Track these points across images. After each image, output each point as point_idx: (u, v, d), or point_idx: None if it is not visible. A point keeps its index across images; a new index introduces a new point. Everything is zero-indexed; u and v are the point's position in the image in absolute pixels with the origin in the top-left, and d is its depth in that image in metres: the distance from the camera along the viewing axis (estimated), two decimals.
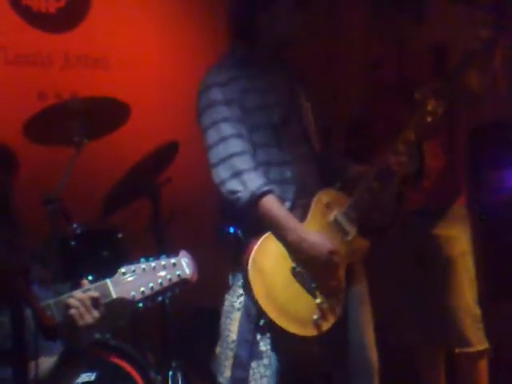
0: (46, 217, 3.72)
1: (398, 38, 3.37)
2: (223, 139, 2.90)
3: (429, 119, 2.93)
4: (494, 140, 4.33)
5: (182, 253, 2.35)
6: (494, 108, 3.50)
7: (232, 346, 2.88)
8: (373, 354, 3.03)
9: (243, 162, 2.87)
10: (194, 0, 5.01)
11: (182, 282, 2.31)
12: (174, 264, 2.31)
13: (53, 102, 4.27)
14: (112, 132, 4.05)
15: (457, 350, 3.46)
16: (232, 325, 2.91)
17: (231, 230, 3.02)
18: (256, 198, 2.84)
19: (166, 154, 3.97)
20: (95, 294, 2.28)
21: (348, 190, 3.01)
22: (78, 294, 2.28)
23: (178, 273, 2.30)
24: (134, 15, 4.78)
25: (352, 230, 2.95)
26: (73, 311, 2.26)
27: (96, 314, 2.27)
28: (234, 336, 2.89)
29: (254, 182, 2.85)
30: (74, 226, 3.81)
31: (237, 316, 2.90)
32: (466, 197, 3.56)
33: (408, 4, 3.29)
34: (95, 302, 2.28)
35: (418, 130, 2.94)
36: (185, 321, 4.31)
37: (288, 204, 2.94)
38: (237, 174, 2.86)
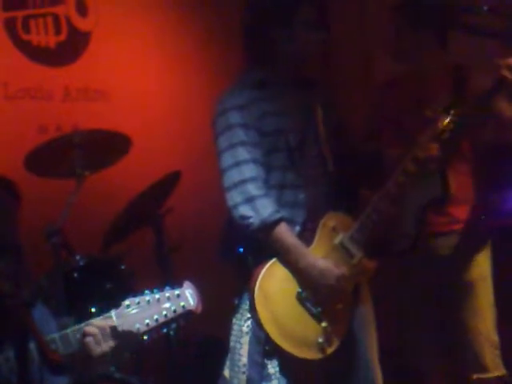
0: (49, 250, 3.72)
1: (419, 59, 3.33)
2: (238, 163, 2.93)
3: (442, 136, 2.93)
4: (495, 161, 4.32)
5: (186, 284, 2.34)
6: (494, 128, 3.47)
7: (244, 369, 2.93)
8: (377, 375, 3.06)
9: (256, 188, 2.90)
10: (194, 32, 5.04)
11: (187, 313, 2.30)
12: (179, 295, 2.31)
13: (54, 135, 4.28)
14: (113, 164, 4.07)
15: (474, 376, 3.41)
16: (242, 349, 2.95)
17: (240, 250, 3.04)
18: (267, 225, 2.88)
19: (168, 183, 3.98)
20: (114, 322, 2.28)
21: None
22: (96, 321, 2.28)
23: (182, 304, 2.30)
24: (134, 47, 4.82)
25: (358, 253, 2.96)
26: (89, 339, 2.25)
27: (113, 342, 2.27)
28: (244, 360, 2.93)
29: (266, 208, 2.89)
30: (77, 258, 3.81)
31: (246, 340, 2.94)
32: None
33: (433, 26, 3.27)
34: (113, 330, 2.27)
35: (427, 149, 2.93)
36: (190, 351, 4.29)
37: (298, 228, 2.97)
38: (249, 200, 2.89)
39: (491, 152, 3.49)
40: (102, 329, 2.26)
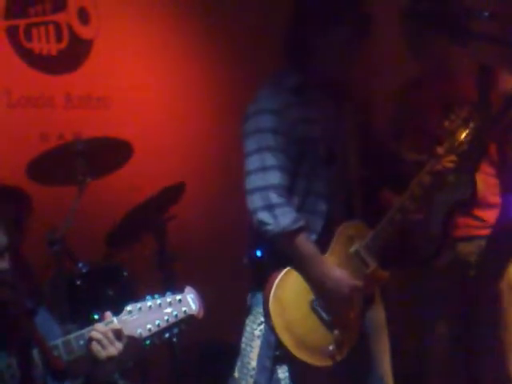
0: (51, 257, 3.73)
1: (442, 59, 3.29)
2: (264, 168, 2.93)
3: (459, 148, 2.91)
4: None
5: (188, 289, 2.35)
6: None
7: (252, 372, 2.94)
8: (389, 382, 3.07)
9: (278, 196, 2.91)
10: (195, 40, 5.05)
11: (189, 318, 2.30)
12: (180, 300, 2.31)
13: (55, 142, 4.30)
14: (115, 171, 4.08)
15: None
16: (252, 352, 2.96)
17: (258, 253, 3.06)
18: (286, 234, 2.89)
19: (173, 193, 3.99)
20: (118, 326, 2.28)
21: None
22: (100, 326, 2.28)
23: (184, 309, 2.30)
24: (135, 55, 4.83)
25: (372, 263, 2.98)
26: (95, 344, 2.26)
27: (119, 345, 2.27)
28: (253, 363, 2.94)
29: (285, 217, 2.89)
30: (80, 265, 3.82)
31: (257, 344, 2.96)
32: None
33: (453, 26, 3.19)
34: (118, 333, 2.27)
35: (445, 159, 2.91)
36: (193, 357, 4.29)
37: (314, 236, 2.98)
38: (269, 207, 2.90)
39: None
40: (105, 333, 2.26)
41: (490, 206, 3.31)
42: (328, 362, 2.91)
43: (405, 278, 3.36)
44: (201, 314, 2.32)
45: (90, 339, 2.26)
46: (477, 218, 3.30)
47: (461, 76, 3.30)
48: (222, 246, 4.52)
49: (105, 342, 2.25)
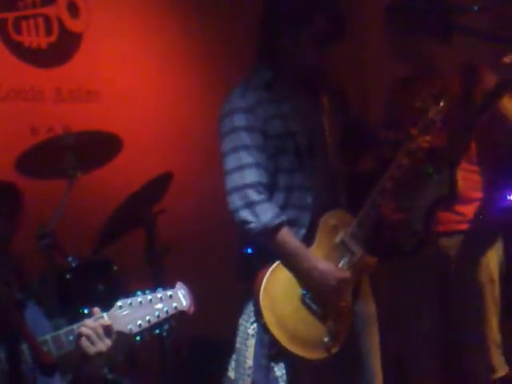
0: (41, 251, 3.71)
1: (427, 60, 3.32)
2: (241, 167, 2.92)
3: (433, 126, 2.95)
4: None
5: (179, 284, 2.34)
6: None
7: (249, 372, 2.94)
8: (378, 377, 3.08)
9: (257, 193, 2.91)
10: (185, 33, 5.04)
11: (179, 314, 2.30)
12: (171, 296, 2.31)
13: (45, 136, 4.28)
14: (105, 165, 4.06)
15: (494, 376, 3.37)
16: (248, 351, 2.96)
17: (249, 251, 3.05)
18: (268, 230, 2.89)
19: (160, 184, 3.98)
20: (107, 321, 2.27)
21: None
22: (89, 322, 2.27)
23: (174, 305, 2.30)
24: (125, 48, 4.81)
25: (358, 250, 2.98)
26: (84, 339, 2.25)
27: (108, 341, 2.26)
28: (250, 362, 2.94)
29: (266, 213, 2.89)
30: (69, 259, 3.80)
31: (252, 342, 2.95)
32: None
33: (435, 25, 3.23)
34: (107, 329, 2.27)
35: (420, 139, 2.95)
36: (183, 352, 4.29)
37: (303, 231, 2.98)
38: (250, 205, 2.90)
39: (502, 153, 3.45)
40: (95, 329, 2.25)
41: (470, 201, 3.35)
42: (323, 355, 2.91)
43: (387, 273, 3.38)
44: (191, 310, 2.32)
45: (80, 335, 2.25)
46: (457, 212, 3.33)
47: (446, 75, 3.31)
48: (213, 241, 4.51)
49: (94, 337, 2.25)
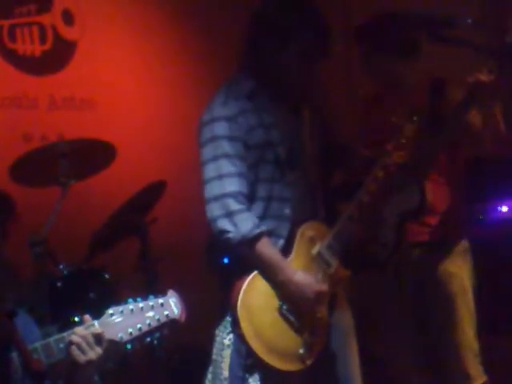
0: (33, 259, 3.70)
1: (394, 76, 3.40)
2: (220, 176, 2.90)
3: (408, 142, 3.00)
4: (479, 173, 4.38)
5: (170, 292, 2.34)
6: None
7: (225, 383, 2.91)
8: None
9: (237, 203, 2.88)
10: (179, 42, 5.05)
11: (171, 322, 2.29)
12: (162, 304, 2.30)
13: (38, 143, 4.28)
14: (98, 173, 4.06)
15: None
16: (224, 362, 2.93)
17: (225, 260, 3.04)
18: (247, 240, 2.87)
19: (153, 193, 3.98)
20: (98, 330, 2.26)
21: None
22: (80, 330, 2.26)
23: (166, 313, 2.29)
24: (119, 56, 4.82)
25: (334, 262, 2.98)
26: (75, 348, 2.24)
27: (99, 350, 2.25)
28: (226, 373, 2.92)
29: (245, 224, 2.86)
30: (61, 266, 3.80)
31: (227, 353, 2.93)
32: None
33: (402, 42, 3.32)
34: (98, 337, 2.25)
35: (395, 154, 3.00)
36: (173, 361, 4.28)
37: (282, 241, 2.96)
38: (229, 214, 2.87)
39: (472, 165, 3.53)
40: (85, 337, 2.24)
41: (438, 213, 3.42)
42: (299, 366, 2.89)
43: (360, 285, 3.42)
44: (183, 318, 2.31)
45: (70, 343, 2.24)
46: (427, 224, 3.39)
47: (412, 90, 3.39)
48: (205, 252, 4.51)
49: (84, 346, 2.23)
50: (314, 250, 2.97)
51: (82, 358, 2.23)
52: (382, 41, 3.33)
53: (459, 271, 3.44)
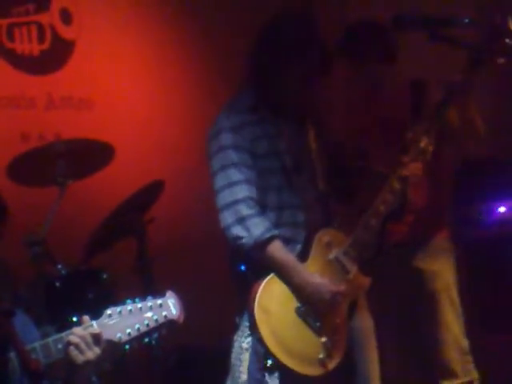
0: (30, 259, 3.70)
1: (372, 81, 3.43)
2: (230, 185, 2.95)
3: (424, 155, 3.07)
4: (477, 174, 4.40)
5: (169, 293, 2.33)
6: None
7: None
8: None
9: (248, 208, 2.92)
10: (178, 42, 5.05)
11: (169, 323, 2.29)
12: (161, 305, 2.30)
13: (36, 143, 4.28)
14: (96, 173, 4.06)
15: (444, 383, 3.47)
16: (242, 366, 2.96)
17: (242, 268, 3.06)
18: (260, 244, 2.90)
19: (151, 192, 3.98)
20: (96, 330, 2.26)
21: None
22: (78, 330, 2.25)
23: (164, 314, 2.29)
24: (117, 56, 4.82)
25: (353, 268, 3.01)
26: (73, 348, 2.23)
27: (97, 350, 2.25)
28: (244, 377, 2.94)
29: (257, 227, 2.90)
30: (59, 266, 3.79)
31: (246, 357, 2.96)
32: (450, 230, 3.59)
33: (377, 47, 3.36)
34: (96, 338, 2.25)
35: (411, 168, 3.06)
36: (171, 360, 4.28)
37: (299, 247, 3.00)
38: (241, 220, 2.91)
39: (464, 166, 3.56)
40: (84, 337, 2.24)
41: (414, 211, 3.39)
42: (319, 371, 2.90)
43: None
44: (181, 319, 2.30)
45: (68, 343, 2.24)
46: (404, 222, 3.38)
47: (393, 93, 3.44)
48: (203, 250, 4.51)
49: (83, 346, 2.23)
50: (331, 256, 3.01)
51: (80, 359, 2.23)
52: (374, 51, 3.37)
53: (442, 268, 3.49)
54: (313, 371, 2.90)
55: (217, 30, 5.08)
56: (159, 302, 2.30)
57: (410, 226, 3.43)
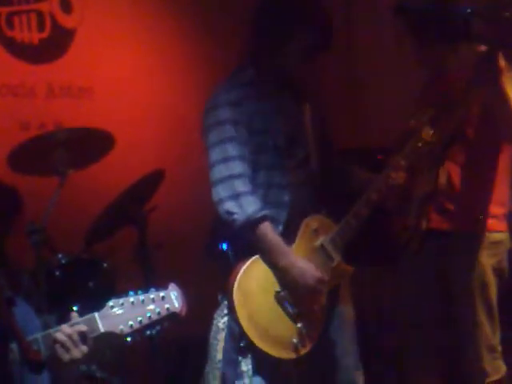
0: (31, 247, 3.70)
1: (439, 65, 3.34)
2: (226, 159, 2.95)
3: (421, 146, 3.01)
4: None
5: (172, 286, 2.33)
6: None
7: (219, 365, 2.97)
8: (358, 375, 3.09)
9: (243, 185, 2.93)
10: (179, 30, 5.04)
11: (171, 316, 2.29)
12: (163, 297, 2.29)
13: (36, 132, 4.27)
14: (97, 162, 4.05)
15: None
16: (218, 345, 2.98)
17: (224, 246, 3.07)
18: (251, 222, 2.90)
19: (151, 181, 3.97)
20: (83, 328, 2.25)
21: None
22: (65, 328, 2.25)
23: (167, 306, 2.28)
24: (118, 45, 4.80)
25: (337, 257, 3.01)
26: (59, 346, 2.23)
27: (84, 348, 2.24)
28: (219, 356, 2.97)
29: (250, 205, 2.91)
30: (59, 256, 3.80)
31: (222, 336, 2.98)
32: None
33: (447, 33, 3.24)
34: (83, 336, 2.24)
35: (410, 157, 3.02)
36: (172, 351, 4.29)
37: (280, 227, 3.00)
38: (235, 196, 2.92)
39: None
40: (70, 336, 2.23)
41: (455, 198, 3.31)
42: (291, 355, 2.93)
43: (377, 276, 3.39)
44: (184, 312, 2.30)
45: (55, 341, 2.23)
46: (448, 211, 3.31)
47: (453, 77, 3.32)
48: (205, 239, 4.50)
49: (69, 344, 2.22)
50: (317, 242, 3.02)
51: (65, 357, 2.22)
52: (440, 32, 3.24)
53: (479, 262, 3.28)
54: (285, 355, 2.92)
55: (217, 16, 5.06)
56: (162, 294, 2.30)
57: (450, 215, 3.31)
